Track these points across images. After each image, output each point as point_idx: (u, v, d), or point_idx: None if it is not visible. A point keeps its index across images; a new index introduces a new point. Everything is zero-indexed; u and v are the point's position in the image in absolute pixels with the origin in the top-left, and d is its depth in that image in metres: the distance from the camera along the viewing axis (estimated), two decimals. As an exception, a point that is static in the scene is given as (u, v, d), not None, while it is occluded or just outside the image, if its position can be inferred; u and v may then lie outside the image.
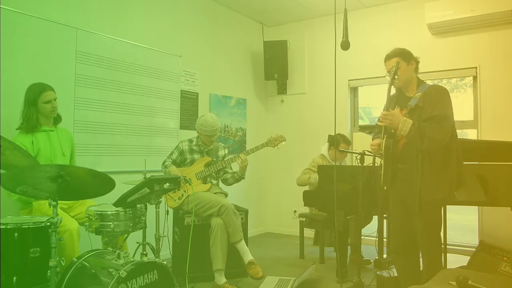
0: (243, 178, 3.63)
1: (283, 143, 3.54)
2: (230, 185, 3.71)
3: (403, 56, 2.52)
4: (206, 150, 3.64)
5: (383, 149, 2.50)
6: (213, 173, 3.58)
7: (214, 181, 3.67)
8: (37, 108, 2.76)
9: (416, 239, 2.51)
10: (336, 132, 4.23)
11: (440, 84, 5.05)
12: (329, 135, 4.70)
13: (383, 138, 2.50)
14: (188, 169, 3.56)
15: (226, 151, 3.77)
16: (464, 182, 2.49)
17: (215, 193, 3.51)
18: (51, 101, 2.80)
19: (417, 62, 2.57)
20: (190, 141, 3.67)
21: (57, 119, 2.94)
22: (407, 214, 2.51)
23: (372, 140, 2.67)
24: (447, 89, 2.50)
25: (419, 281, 2.46)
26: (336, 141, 4.13)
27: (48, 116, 2.84)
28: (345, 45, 2.53)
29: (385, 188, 2.60)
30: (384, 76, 2.58)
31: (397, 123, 2.40)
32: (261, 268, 3.21)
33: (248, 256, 3.24)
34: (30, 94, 2.76)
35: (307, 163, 4.30)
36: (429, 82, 2.63)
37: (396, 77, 2.46)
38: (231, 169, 3.75)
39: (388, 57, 2.56)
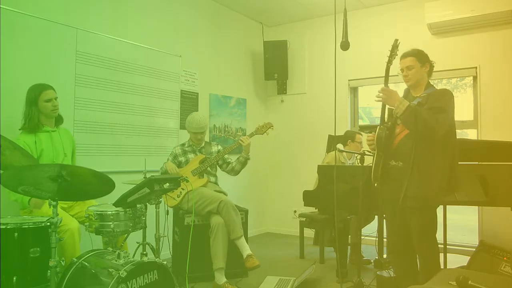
0: (249, 159, 3.64)
1: (270, 129, 3.63)
2: (238, 172, 3.70)
3: (419, 57, 2.52)
4: (199, 148, 3.70)
5: (375, 139, 2.49)
6: (208, 168, 3.61)
7: (212, 178, 3.69)
8: (38, 107, 2.76)
9: (411, 239, 2.50)
10: (336, 133, 4.26)
11: (440, 84, 5.07)
12: (329, 135, 4.71)
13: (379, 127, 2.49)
14: (184, 168, 3.59)
15: (220, 147, 3.80)
16: (458, 185, 2.47)
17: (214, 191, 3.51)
18: (52, 99, 2.80)
19: (432, 66, 2.56)
20: (182, 144, 3.75)
21: (59, 120, 2.93)
22: (401, 214, 2.50)
23: None
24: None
25: (416, 280, 2.45)
26: (351, 135, 4.25)
27: (49, 116, 2.84)
28: (345, 46, 2.54)
29: (375, 185, 2.58)
30: (391, 76, 2.54)
31: (394, 101, 2.39)
32: (257, 259, 3.19)
33: (247, 251, 3.24)
34: (31, 94, 2.77)
35: (307, 163, 4.29)
36: (428, 82, 2.63)
37: (392, 57, 2.47)
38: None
39: (403, 56, 2.56)
